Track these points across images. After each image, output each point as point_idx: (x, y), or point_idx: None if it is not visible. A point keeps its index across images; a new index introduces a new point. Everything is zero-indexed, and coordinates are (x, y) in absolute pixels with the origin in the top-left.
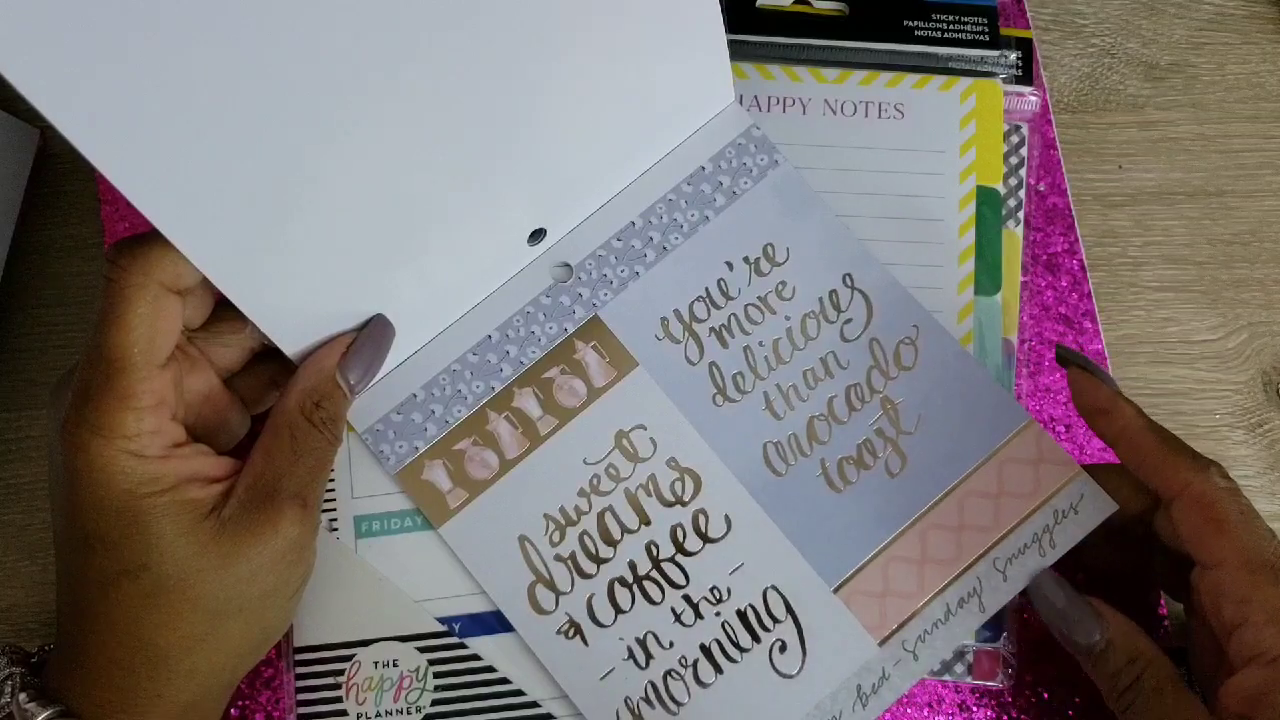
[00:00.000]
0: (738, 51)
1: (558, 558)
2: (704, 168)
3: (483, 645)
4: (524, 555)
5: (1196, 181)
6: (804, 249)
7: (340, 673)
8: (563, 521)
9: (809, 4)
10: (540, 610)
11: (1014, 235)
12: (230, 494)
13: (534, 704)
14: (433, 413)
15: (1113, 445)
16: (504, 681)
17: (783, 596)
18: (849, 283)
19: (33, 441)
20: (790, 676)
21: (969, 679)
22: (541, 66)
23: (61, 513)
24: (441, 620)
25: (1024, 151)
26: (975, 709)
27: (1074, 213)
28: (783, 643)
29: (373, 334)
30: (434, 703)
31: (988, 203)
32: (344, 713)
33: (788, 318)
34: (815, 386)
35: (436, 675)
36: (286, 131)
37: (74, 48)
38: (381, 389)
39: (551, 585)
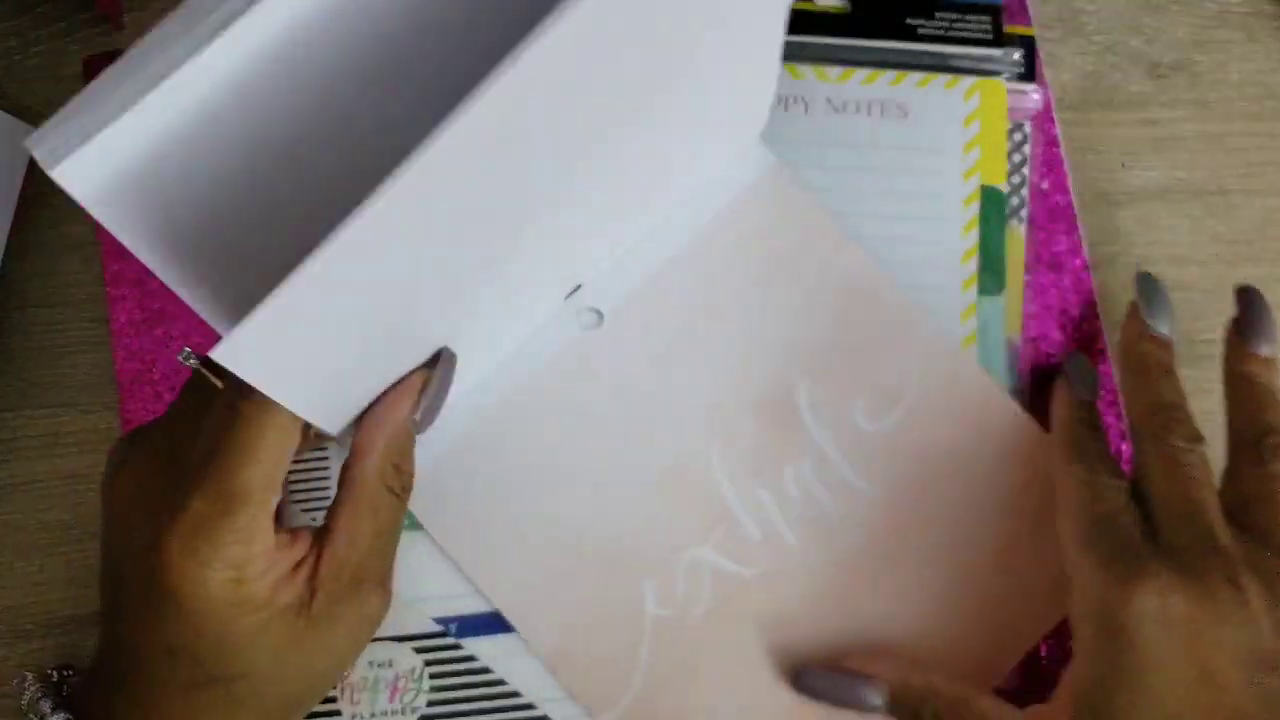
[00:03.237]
0: None
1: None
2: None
3: (479, 646)
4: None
5: (1200, 180)
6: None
7: None
8: None
9: (811, 1)
10: None
11: (1017, 234)
12: (313, 583)
13: (530, 705)
14: None
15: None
16: (500, 683)
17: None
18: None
19: (30, 441)
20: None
21: None
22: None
23: (139, 618)
24: (437, 621)
25: (1027, 149)
26: None
27: (1077, 211)
28: None
29: (444, 375)
30: (430, 704)
31: (991, 202)
32: (338, 713)
33: None
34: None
35: (432, 676)
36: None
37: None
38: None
39: None
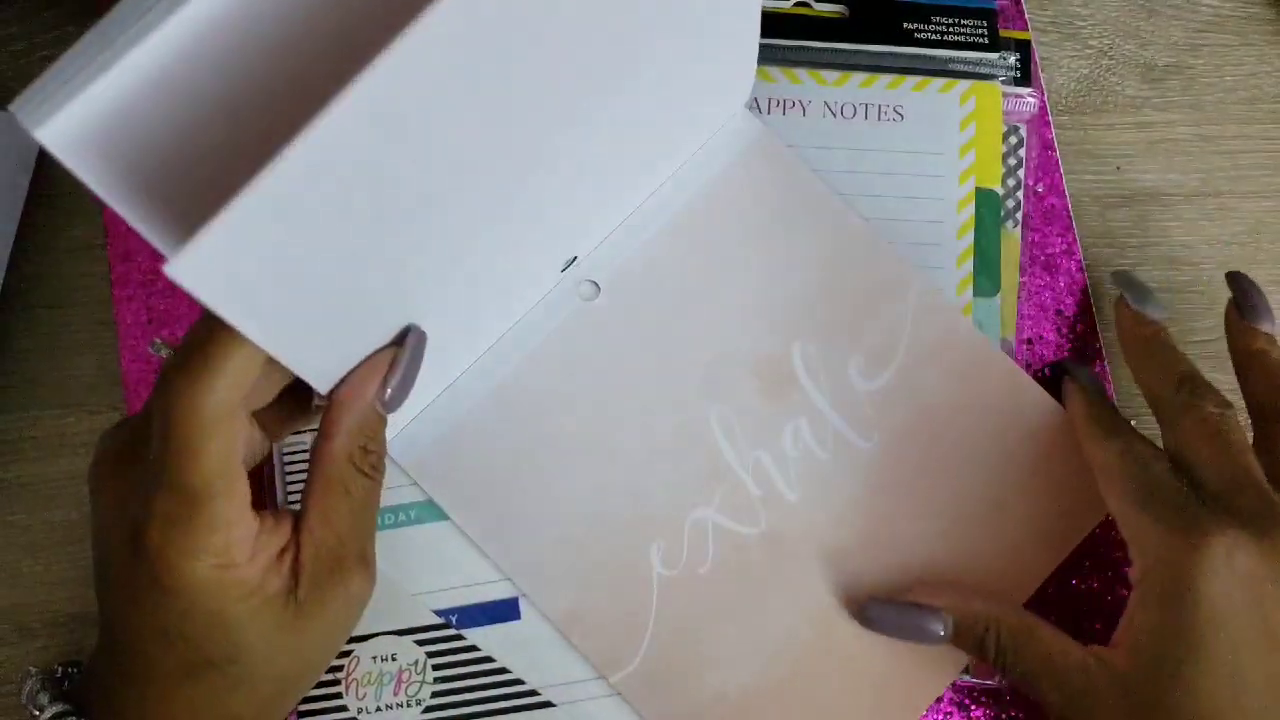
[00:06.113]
0: None
1: None
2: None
3: (480, 636)
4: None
5: (1194, 182)
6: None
7: (339, 669)
8: None
9: (809, 6)
10: None
11: (1012, 236)
12: (297, 569)
13: (533, 692)
14: None
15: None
16: (503, 671)
17: None
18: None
19: (34, 442)
20: None
21: (968, 678)
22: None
23: (131, 603)
24: (438, 613)
25: (1022, 152)
26: (974, 708)
27: (1072, 213)
28: None
29: (410, 353)
30: (434, 695)
31: (986, 205)
32: (344, 708)
33: None
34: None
35: (435, 667)
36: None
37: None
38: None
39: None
